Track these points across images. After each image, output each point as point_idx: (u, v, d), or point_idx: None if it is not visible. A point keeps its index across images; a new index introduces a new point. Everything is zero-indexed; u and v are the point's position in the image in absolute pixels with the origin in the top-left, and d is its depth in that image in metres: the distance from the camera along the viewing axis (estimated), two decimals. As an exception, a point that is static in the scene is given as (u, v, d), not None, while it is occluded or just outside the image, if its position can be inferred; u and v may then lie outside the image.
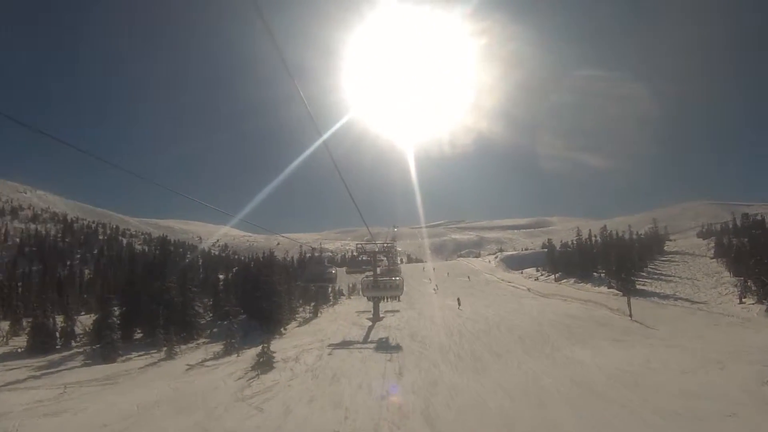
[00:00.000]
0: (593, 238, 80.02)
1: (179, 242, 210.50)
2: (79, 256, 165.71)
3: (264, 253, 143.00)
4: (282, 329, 50.79)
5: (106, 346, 40.16)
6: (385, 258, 53.81)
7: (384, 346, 36.35)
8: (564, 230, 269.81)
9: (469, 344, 34.20)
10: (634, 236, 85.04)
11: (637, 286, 56.45)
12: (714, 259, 70.93)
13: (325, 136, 12.08)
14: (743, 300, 44.43)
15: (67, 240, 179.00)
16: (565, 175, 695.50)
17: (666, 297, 50.82)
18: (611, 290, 58.81)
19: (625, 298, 50.25)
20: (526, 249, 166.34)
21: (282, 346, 40.43)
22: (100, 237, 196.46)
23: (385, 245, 53.29)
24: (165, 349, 39.89)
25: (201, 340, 48.41)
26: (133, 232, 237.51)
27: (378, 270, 50.96)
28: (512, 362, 28.28)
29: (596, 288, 63.20)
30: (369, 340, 39.76)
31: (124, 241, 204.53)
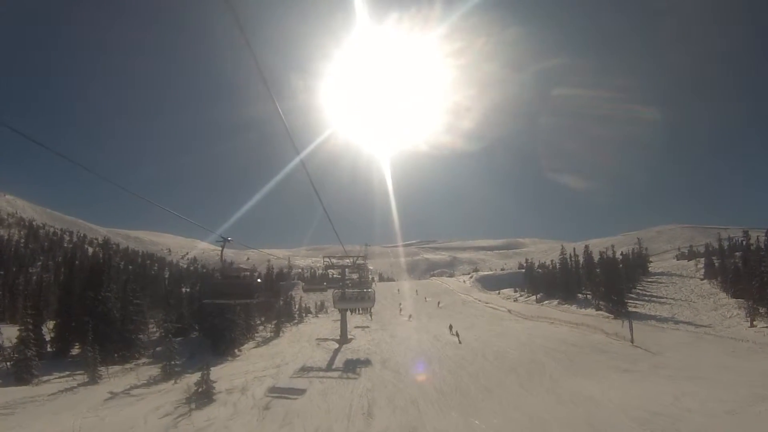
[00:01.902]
0: (576, 259, 75.81)
1: (147, 254, 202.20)
2: (40, 263, 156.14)
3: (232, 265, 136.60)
4: (236, 350, 44.61)
5: (18, 364, 33.39)
6: (357, 274, 48.89)
7: (351, 374, 30.65)
8: (537, 251, 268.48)
9: (452, 375, 28.76)
10: (618, 257, 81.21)
11: (629, 309, 52.25)
12: (704, 280, 67.54)
13: (303, 154, 11.79)
14: (754, 323, 40.42)
15: (30, 246, 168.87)
16: (540, 196, 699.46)
17: (664, 320, 46.46)
18: (600, 312, 54.54)
19: (620, 321, 46.22)
20: (503, 269, 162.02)
21: (231, 371, 34.46)
22: (66, 245, 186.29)
23: (356, 259, 47.91)
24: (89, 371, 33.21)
25: (142, 360, 41.92)
26: (101, 242, 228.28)
27: (349, 285, 46.52)
28: (507, 399, 22.98)
29: (582, 310, 58.80)
30: (334, 366, 33.94)
31: (90, 250, 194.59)
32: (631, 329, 37.08)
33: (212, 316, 45.81)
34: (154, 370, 34.89)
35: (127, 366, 39.02)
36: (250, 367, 35.20)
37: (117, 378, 33.83)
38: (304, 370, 32.70)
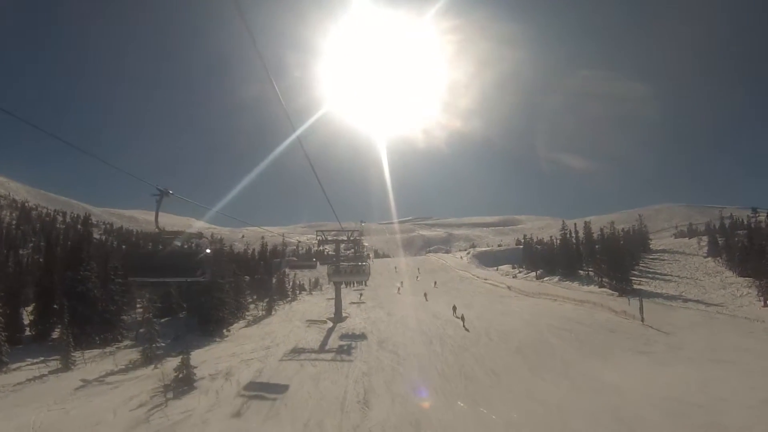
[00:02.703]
0: (577, 234, 73.62)
1: (142, 233, 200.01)
2: (32, 244, 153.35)
3: (228, 246, 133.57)
4: (225, 330, 42.25)
5: (-16, 350, 30.92)
6: (352, 250, 46.49)
7: (346, 356, 28.46)
8: (533, 228, 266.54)
9: (455, 357, 26.65)
10: (619, 233, 79.22)
11: (634, 286, 50.37)
12: (708, 258, 65.80)
13: (300, 130, 11.20)
14: (767, 303, 38.55)
15: (21, 228, 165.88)
16: (536, 174, 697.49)
17: (672, 298, 44.53)
18: (603, 290, 52.57)
19: (625, 299, 44.34)
20: (500, 245, 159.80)
21: (217, 353, 32.21)
22: (59, 225, 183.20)
23: (351, 234, 45.38)
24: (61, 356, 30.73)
25: (124, 343, 39.57)
26: (95, 222, 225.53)
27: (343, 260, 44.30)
28: (518, 385, 20.86)
29: (585, 287, 56.84)
30: (327, 347, 31.70)
31: (83, 230, 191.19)
32: (641, 308, 35.01)
33: (199, 295, 43.50)
34: (135, 354, 32.51)
35: (108, 350, 36.61)
36: (238, 349, 32.96)
37: (94, 363, 31.39)
38: (295, 352, 30.46)
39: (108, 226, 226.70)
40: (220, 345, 36.91)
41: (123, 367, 29.62)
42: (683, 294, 46.41)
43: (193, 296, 45.22)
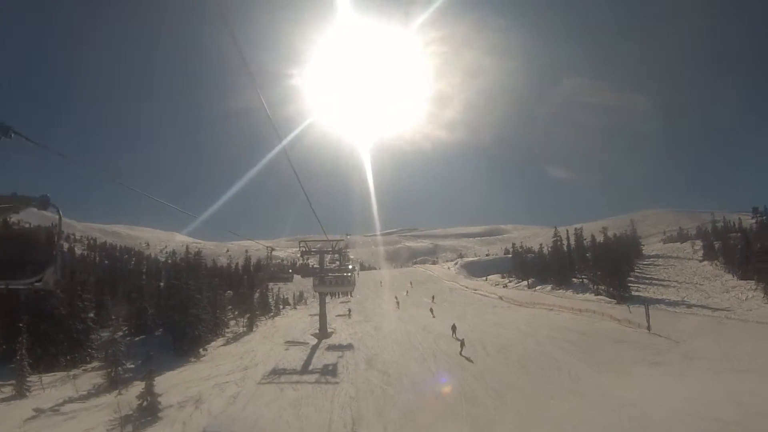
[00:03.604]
0: (568, 242, 71.84)
1: (125, 248, 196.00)
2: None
3: (212, 260, 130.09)
4: (201, 349, 39.37)
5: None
6: (336, 263, 44.06)
7: (331, 377, 25.86)
8: (520, 237, 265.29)
9: (452, 375, 24.20)
10: (612, 239, 77.64)
11: (633, 293, 48.51)
12: (704, 262, 64.51)
13: (285, 141, 11.34)
14: None
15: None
16: (522, 183, 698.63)
17: (674, 304, 42.63)
18: (600, 297, 50.60)
19: (625, 307, 42.46)
20: (487, 255, 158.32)
21: (190, 376, 29.50)
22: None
23: (335, 244, 42.77)
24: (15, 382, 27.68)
25: (93, 365, 36.71)
26: (78, 237, 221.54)
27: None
28: (525, 405, 18.55)
29: (580, 295, 54.77)
30: (310, 367, 28.96)
31: (66, 245, 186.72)
32: (647, 315, 32.90)
33: (173, 311, 40.65)
34: (101, 378, 29.61)
35: (73, 372, 33.73)
36: (214, 371, 30.22)
37: (54, 389, 28.51)
38: (276, 373, 27.72)
39: (91, 241, 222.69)
40: (195, 366, 34.19)
41: (85, 393, 26.81)
42: (685, 299, 44.63)
43: (168, 313, 42.45)
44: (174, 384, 26.62)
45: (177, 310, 39.64)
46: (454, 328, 35.56)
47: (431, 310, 44.75)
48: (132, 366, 33.12)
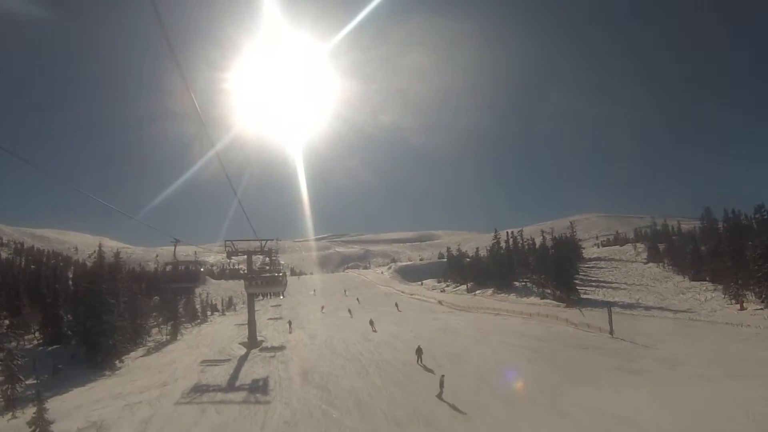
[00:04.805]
0: (508, 245, 70.41)
1: (53, 253, 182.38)
2: None
3: (139, 265, 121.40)
4: (117, 361, 34.17)
5: None
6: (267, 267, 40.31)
7: (261, 396, 21.74)
8: (452, 242, 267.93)
9: (403, 391, 20.63)
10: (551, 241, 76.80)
11: (581, 296, 47.21)
12: (650, 264, 64.48)
13: (217, 147, 11.56)
14: (744, 306, 36.20)
15: None
16: (450, 189, 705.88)
17: (630, 306, 41.19)
18: (546, 301, 48.82)
19: (575, 309, 40.81)
20: (421, 260, 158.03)
21: (99, 394, 24.72)
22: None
23: (264, 243, 38.63)
24: None
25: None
26: (5, 241, 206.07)
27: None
28: (498, 428, 15.19)
29: (525, 299, 52.76)
30: (237, 383, 24.61)
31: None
32: (610, 319, 30.78)
33: (85, 318, 35.16)
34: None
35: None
36: (127, 387, 25.38)
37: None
38: (197, 390, 23.27)
39: (19, 245, 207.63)
40: (108, 381, 29.33)
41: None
42: (640, 301, 43.38)
43: (79, 320, 36.94)
44: (78, 405, 21.89)
45: (89, 317, 34.24)
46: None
47: (371, 322, 41.04)
48: (36, 382, 28.05)
